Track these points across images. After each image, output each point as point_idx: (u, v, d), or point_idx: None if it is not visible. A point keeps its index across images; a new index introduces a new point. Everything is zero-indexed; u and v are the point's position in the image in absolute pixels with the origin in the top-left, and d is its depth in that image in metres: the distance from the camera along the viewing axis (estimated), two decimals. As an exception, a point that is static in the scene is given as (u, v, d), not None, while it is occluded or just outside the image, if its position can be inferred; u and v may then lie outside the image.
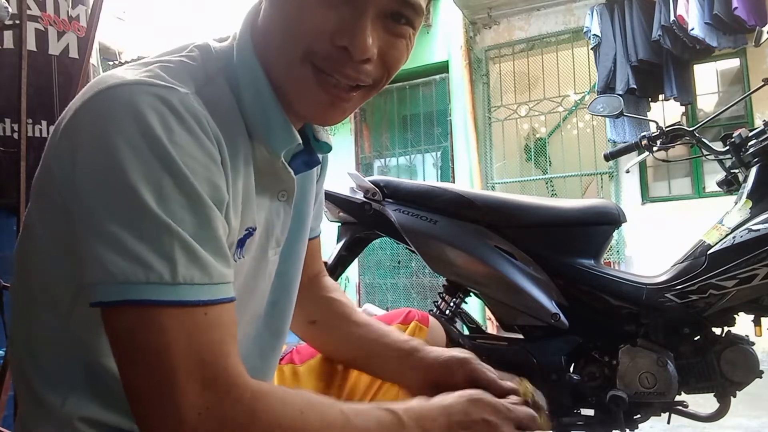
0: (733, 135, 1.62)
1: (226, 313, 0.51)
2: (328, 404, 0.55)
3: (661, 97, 4.53)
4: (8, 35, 1.65)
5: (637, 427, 1.53)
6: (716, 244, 1.49)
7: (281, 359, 0.94)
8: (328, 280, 0.94)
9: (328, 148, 0.74)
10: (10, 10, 1.53)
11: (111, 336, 0.49)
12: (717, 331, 1.53)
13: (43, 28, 1.72)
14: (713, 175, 3.76)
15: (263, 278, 0.71)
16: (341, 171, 1.93)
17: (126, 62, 5.82)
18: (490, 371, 0.74)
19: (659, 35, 4.24)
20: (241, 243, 0.62)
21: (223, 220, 0.54)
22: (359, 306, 1.12)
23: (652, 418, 1.52)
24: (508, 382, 0.72)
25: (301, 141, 0.64)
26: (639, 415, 1.52)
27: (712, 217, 1.64)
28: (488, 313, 2.86)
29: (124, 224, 0.47)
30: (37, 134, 1.68)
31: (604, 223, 1.61)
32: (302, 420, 0.51)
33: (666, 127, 1.78)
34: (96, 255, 0.48)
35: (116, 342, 0.49)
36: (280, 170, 0.65)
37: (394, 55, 0.60)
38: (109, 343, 0.50)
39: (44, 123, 1.70)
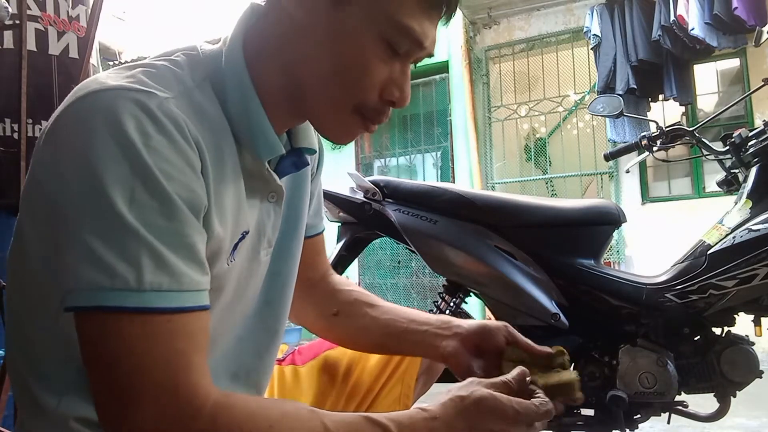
0: (733, 135, 1.61)
1: (194, 322, 0.51)
2: (306, 417, 0.53)
3: (661, 97, 4.53)
4: (8, 35, 1.65)
5: (637, 427, 1.53)
6: (716, 244, 1.49)
7: (283, 360, 0.94)
8: (338, 276, 0.94)
9: (312, 151, 0.75)
10: (10, 10, 1.52)
11: (79, 342, 0.50)
12: (717, 331, 1.53)
13: (43, 28, 1.72)
14: (713, 175, 3.76)
15: (255, 279, 0.71)
16: (341, 171, 1.93)
17: (126, 62, 5.81)
18: (523, 339, 0.76)
19: (659, 35, 4.24)
20: (234, 247, 0.62)
21: (200, 227, 0.54)
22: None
23: (652, 418, 1.52)
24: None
25: (284, 151, 0.65)
26: (639, 415, 1.52)
27: (712, 217, 1.63)
28: (488, 313, 2.85)
29: (95, 231, 0.48)
30: (37, 134, 1.67)
31: (604, 223, 1.61)
32: None
33: (666, 127, 1.78)
34: (68, 262, 0.48)
35: (82, 348, 0.49)
36: (266, 173, 0.66)
37: None
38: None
39: (44, 123, 1.69)
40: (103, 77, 0.54)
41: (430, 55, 0.64)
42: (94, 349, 0.49)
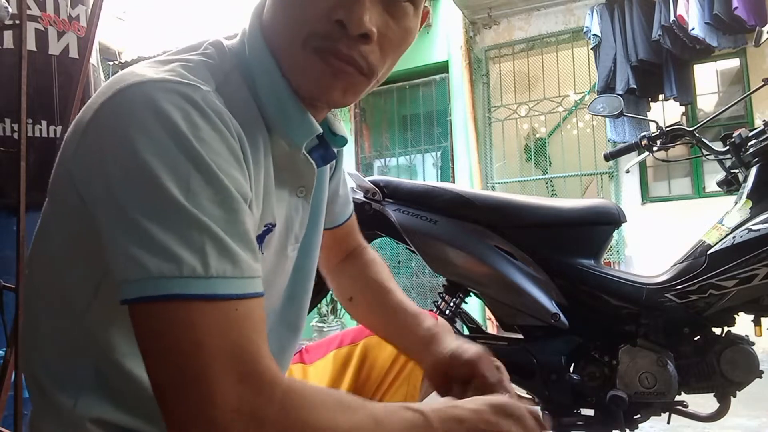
0: (733, 135, 1.61)
1: (256, 308, 0.51)
2: (358, 405, 0.54)
3: (661, 97, 4.53)
4: (8, 35, 1.65)
5: (637, 427, 1.53)
6: (716, 244, 1.49)
7: None
8: (368, 253, 0.96)
9: (343, 141, 0.75)
10: (10, 10, 1.52)
11: (140, 334, 0.48)
12: (717, 331, 1.53)
13: (43, 28, 1.72)
14: (713, 175, 3.76)
15: (282, 274, 0.71)
16: (341, 171, 1.93)
17: (126, 62, 5.82)
18: (492, 376, 0.73)
19: (659, 35, 4.24)
20: (260, 239, 0.62)
21: (251, 214, 0.54)
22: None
23: (652, 418, 1.52)
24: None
25: (321, 130, 0.64)
26: (639, 415, 1.52)
27: (712, 217, 1.63)
28: (488, 313, 2.85)
29: (155, 220, 0.47)
30: (37, 134, 1.68)
31: (604, 223, 1.61)
32: (333, 421, 0.50)
33: (666, 127, 1.78)
34: (128, 252, 0.47)
35: (146, 339, 0.48)
36: (300, 164, 0.65)
37: (391, 38, 0.59)
38: (134, 340, 0.49)
39: (44, 123, 1.70)
40: (140, 70, 0.53)
41: None
42: (161, 341, 0.47)
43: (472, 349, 0.76)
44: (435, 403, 0.61)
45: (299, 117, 0.61)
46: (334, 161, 0.83)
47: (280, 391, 0.48)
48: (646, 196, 4.78)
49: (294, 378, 0.53)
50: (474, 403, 0.61)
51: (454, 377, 0.76)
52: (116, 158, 0.49)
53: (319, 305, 4.49)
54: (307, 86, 0.60)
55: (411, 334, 0.83)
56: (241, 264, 0.50)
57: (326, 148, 0.71)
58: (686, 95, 4.39)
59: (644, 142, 1.79)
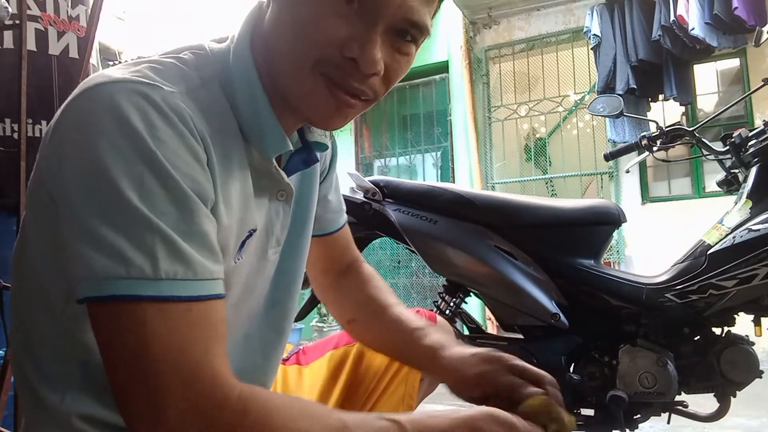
0: (733, 135, 1.62)
1: (211, 311, 0.51)
2: (325, 413, 0.54)
3: (661, 97, 4.53)
4: (8, 35, 1.65)
5: (637, 427, 1.53)
6: (716, 244, 1.49)
7: (287, 360, 0.95)
8: (365, 269, 0.94)
9: (323, 147, 0.75)
10: (10, 10, 1.52)
11: (95, 332, 0.49)
12: (717, 331, 1.53)
13: (43, 28, 1.72)
14: (713, 175, 3.76)
15: (263, 277, 0.71)
16: (341, 171, 1.93)
17: (133, 60, 5.80)
18: (511, 382, 0.72)
19: (659, 35, 4.24)
20: (241, 245, 0.62)
21: (211, 216, 0.54)
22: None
23: (652, 418, 1.53)
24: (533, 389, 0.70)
25: (291, 147, 0.64)
26: (639, 415, 1.52)
27: (712, 217, 1.64)
28: (488, 313, 2.85)
29: (106, 221, 0.47)
30: (37, 134, 1.68)
31: (604, 223, 1.61)
32: (295, 427, 0.50)
33: (666, 127, 1.78)
34: (79, 252, 0.47)
35: (99, 338, 0.49)
36: (275, 171, 0.66)
37: (395, 70, 0.61)
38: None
39: (44, 123, 1.70)
40: (110, 71, 0.54)
41: (414, 24, 0.57)
42: (111, 341, 0.48)
43: (483, 362, 0.75)
44: (417, 413, 0.60)
45: (273, 132, 0.62)
46: (327, 165, 0.83)
47: (234, 396, 0.48)
48: (646, 196, 4.78)
49: (252, 385, 0.52)
50: (457, 412, 0.60)
51: (471, 391, 0.74)
52: (73, 157, 0.49)
53: (318, 305, 4.49)
54: (308, 112, 0.61)
55: (417, 350, 0.81)
56: (194, 266, 0.49)
57: (309, 152, 0.71)
58: (686, 95, 4.39)
59: (644, 142, 1.79)
